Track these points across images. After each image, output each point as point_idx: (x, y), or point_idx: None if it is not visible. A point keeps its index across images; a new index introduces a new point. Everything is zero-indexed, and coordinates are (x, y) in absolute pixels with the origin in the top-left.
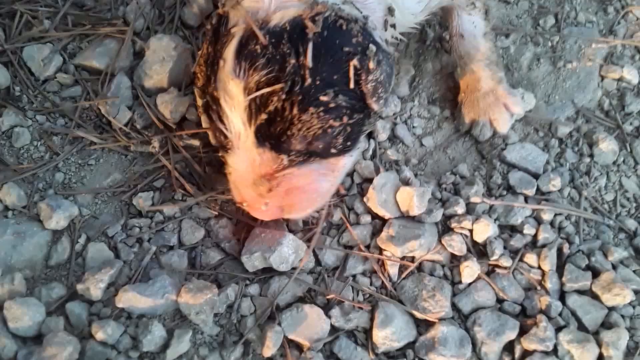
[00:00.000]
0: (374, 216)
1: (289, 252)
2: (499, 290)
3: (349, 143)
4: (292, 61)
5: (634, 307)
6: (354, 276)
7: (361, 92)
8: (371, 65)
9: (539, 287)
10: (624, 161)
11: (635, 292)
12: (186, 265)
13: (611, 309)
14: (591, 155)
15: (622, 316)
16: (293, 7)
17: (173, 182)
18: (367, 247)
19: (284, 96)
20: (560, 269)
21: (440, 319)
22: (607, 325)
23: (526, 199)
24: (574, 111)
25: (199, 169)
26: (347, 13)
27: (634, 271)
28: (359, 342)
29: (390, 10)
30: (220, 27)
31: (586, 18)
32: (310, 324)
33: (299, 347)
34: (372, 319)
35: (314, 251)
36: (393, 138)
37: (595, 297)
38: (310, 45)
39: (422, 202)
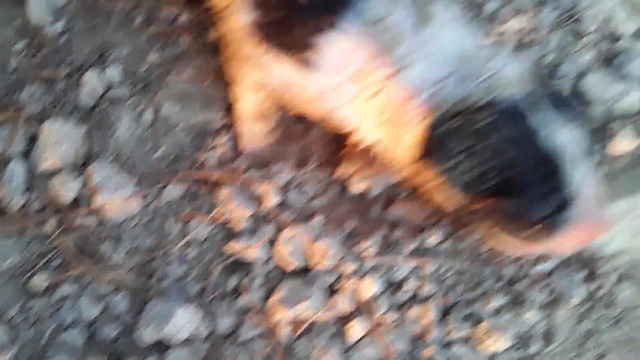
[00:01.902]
0: (267, 279)
1: (183, 322)
2: (386, 344)
3: None
4: None
5: (515, 351)
6: (248, 340)
7: None
8: None
9: (424, 339)
10: None
11: (517, 336)
12: (84, 341)
13: (492, 356)
14: None
15: None
16: None
17: (68, 261)
18: (261, 309)
19: None
20: (443, 320)
21: None
22: None
23: (409, 253)
24: None
25: (94, 246)
26: None
27: (513, 316)
28: None
29: None
30: (506, 112)
31: None
32: None
33: None
34: None
35: (210, 318)
36: (284, 203)
37: (477, 344)
38: None
39: (333, 256)
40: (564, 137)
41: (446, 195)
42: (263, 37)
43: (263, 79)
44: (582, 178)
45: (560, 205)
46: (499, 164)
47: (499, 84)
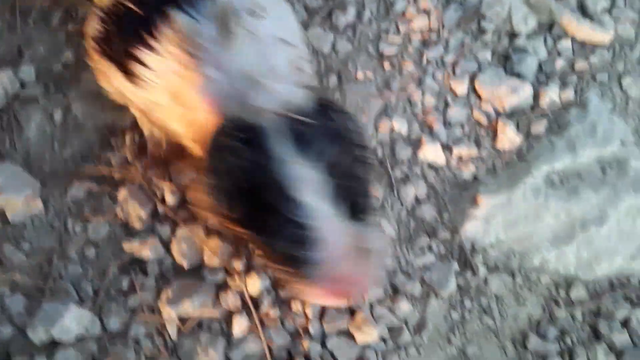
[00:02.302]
0: (161, 278)
1: (71, 323)
2: (266, 339)
3: None
4: (340, 129)
5: (385, 342)
6: (137, 339)
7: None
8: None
9: (302, 333)
10: (390, 206)
11: (389, 328)
12: None
13: (364, 346)
14: None
15: (375, 351)
16: None
17: None
18: (153, 308)
19: (352, 158)
20: (323, 314)
21: None
22: None
23: None
24: None
25: None
26: None
27: (388, 308)
28: None
29: None
30: (255, 138)
31: (365, 76)
32: None
33: None
34: None
35: (100, 317)
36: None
37: (352, 336)
38: (337, 114)
39: (223, 254)
40: (307, 175)
41: (212, 212)
42: (99, 50)
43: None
44: (326, 223)
45: (299, 246)
46: (244, 190)
47: (265, 108)
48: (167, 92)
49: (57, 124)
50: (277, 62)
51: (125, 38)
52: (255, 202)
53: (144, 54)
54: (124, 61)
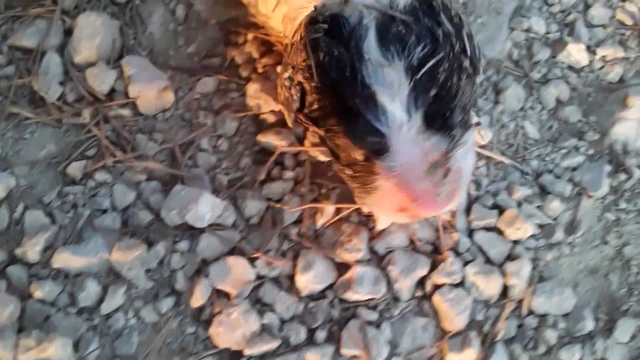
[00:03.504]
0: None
1: (205, 210)
2: (411, 232)
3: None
4: (439, 31)
5: (537, 239)
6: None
7: (471, 57)
8: (469, 30)
9: (449, 227)
10: (531, 107)
11: (540, 225)
12: (119, 226)
13: (515, 242)
14: (499, 103)
15: (527, 248)
16: None
17: (103, 150)
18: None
19: (446, 65)
20: (469, 210)
21: (357, 262)
22: (511, 257)
23: None
24: (485, 63)
25: (128, 136)
26: None
27: (537, 207)
28: (283, 288)
29: None
30: (338, 29)
31: None
32: (237, 275)
33: (226, 295)
34: (295, 266)
35: (236, 205)
36: None
37: (501, 232)
38: (442, 15)
39: None
40: (385, 75)
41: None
42: None
43: None
44: (399, 133)
45: (376, 147)
46: (327, 84)
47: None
48: None
49: (180, 20)
50: None
51: None
52: (338, 98)
53: None
54: None
